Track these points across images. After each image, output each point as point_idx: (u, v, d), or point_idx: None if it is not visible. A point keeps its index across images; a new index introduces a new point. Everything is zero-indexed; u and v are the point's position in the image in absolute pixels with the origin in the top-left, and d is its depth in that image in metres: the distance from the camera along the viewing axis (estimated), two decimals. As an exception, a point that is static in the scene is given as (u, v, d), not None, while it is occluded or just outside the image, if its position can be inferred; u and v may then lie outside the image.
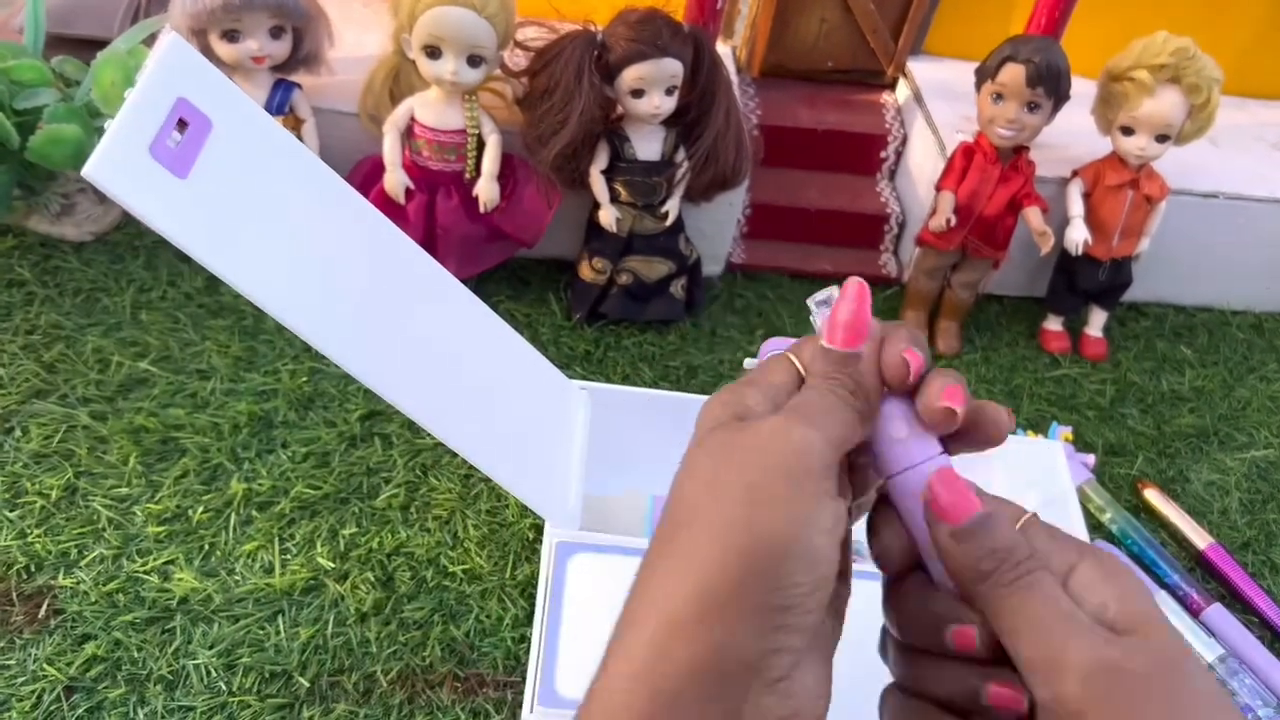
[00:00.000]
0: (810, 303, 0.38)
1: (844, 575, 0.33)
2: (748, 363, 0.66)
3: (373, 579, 0.69)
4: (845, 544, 0.33)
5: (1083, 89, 0.91)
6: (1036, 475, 0.71)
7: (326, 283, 0.47)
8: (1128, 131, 0.91)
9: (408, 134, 0.86)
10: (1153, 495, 0.84)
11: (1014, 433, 0.87)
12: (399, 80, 0.87)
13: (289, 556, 0.70)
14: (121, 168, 0.39)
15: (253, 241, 0.44)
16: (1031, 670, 0.30)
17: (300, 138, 0.87)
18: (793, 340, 0.64)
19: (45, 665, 0.62)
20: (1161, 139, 0.90)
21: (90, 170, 0.38)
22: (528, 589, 0.69)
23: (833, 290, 0.35)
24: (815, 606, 0.30)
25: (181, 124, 0.42)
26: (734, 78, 0.99)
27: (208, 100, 0.43)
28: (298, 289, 0.45)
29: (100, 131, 0.40)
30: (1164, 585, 0.77)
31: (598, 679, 0.30)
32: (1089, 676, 0.28)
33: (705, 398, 0.60)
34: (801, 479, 0.30)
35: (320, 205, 0.49)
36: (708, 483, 0.31)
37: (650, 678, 0.29)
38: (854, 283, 0.34)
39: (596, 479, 0.65)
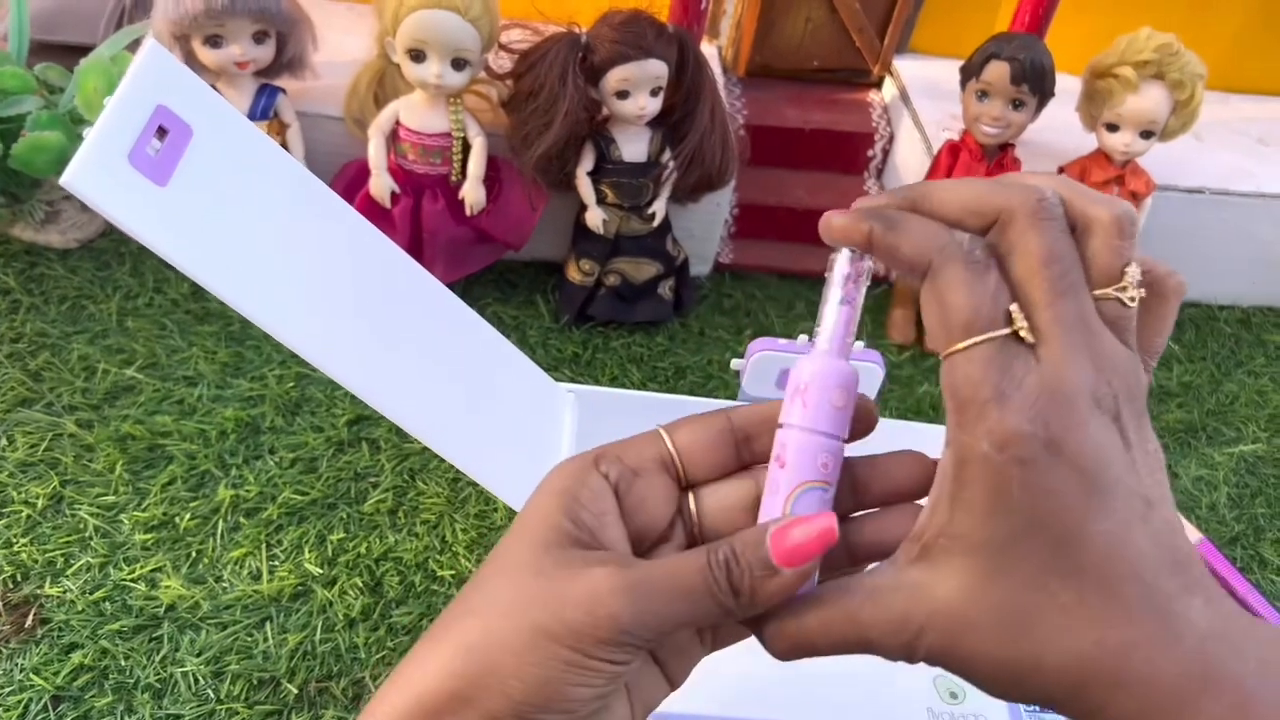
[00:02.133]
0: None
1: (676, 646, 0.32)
2: (735, 364, 0.66)
3: (361, 584, 0.69)
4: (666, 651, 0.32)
5: (1067, 86, 0.91)
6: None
7: (310, 288, 0.47)
8: (1113, 128, 0.91)
9: (393, 138, 0.85)
10: (1141, 491, 0.84)
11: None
12: (384, 84, 0.87)
13: (277, 563, 0.69)
14: (100, 176, 0.39)
15: (234, 248, 0.44)
16: None
17: (285, 142, 0.87)
18: (782, 340, 0.64)
19: (32, 675, 0.62)
20: (1146, 135, 0.90)
21: (69, 178, 0.38)
22: (517, 592, 0.69)
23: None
24: (590, 712, 0.29)
25: (161, 132, 0.41)
26: (720, 78, 0.99)
27: (188, 108, 0.42)
28: (280, 295, 0.45)
29: (83, 139, 0.40)
30: (1153, 581, 0.77)
31: None
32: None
33: (694, 399, 0.59)
34: (586, 645, 0.28)
35: (302, 210, 0.48)
36: (510, 600, 0.29)
37: None
38: (830, 519, 0.29)
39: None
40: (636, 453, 0.32)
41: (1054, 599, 0.28)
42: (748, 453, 0.32)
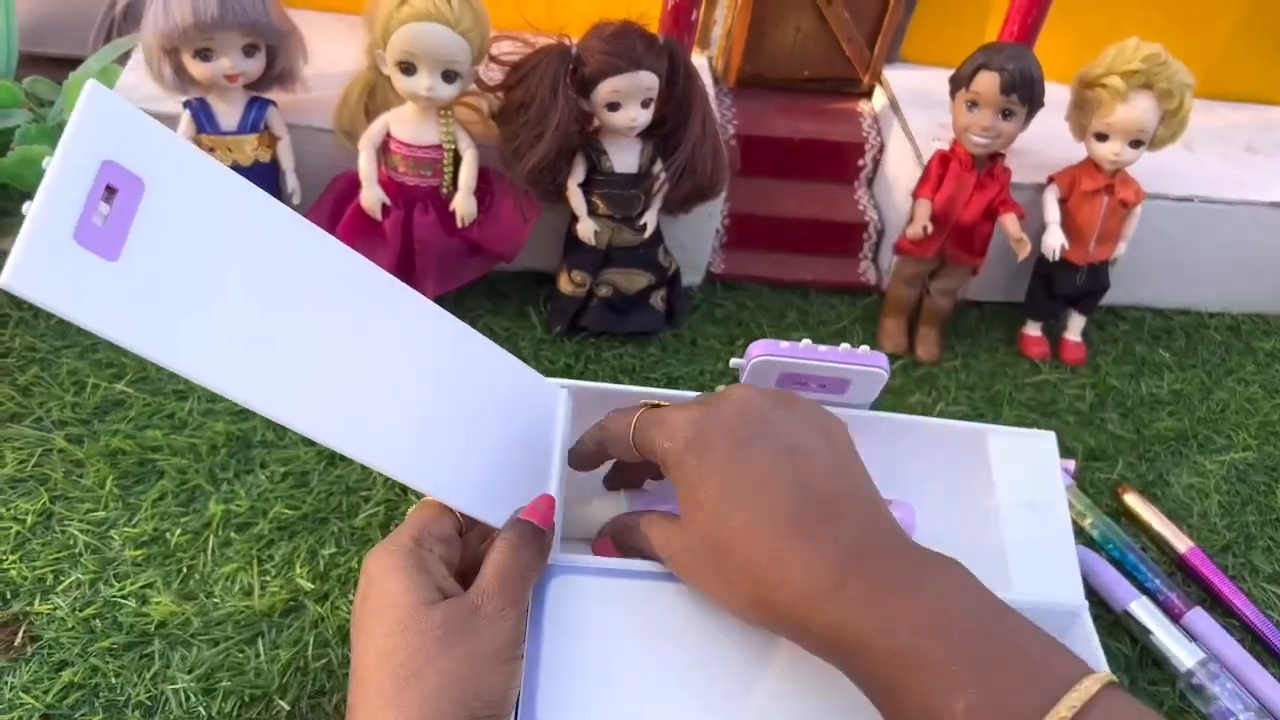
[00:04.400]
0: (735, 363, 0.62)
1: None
2: (734, 362, 0.66)
3: (353, 599, 0.68)
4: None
5: (1057, 95, 0.92)
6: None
7: (291, 349, 0.43)
8: (1102, 137, 0.91)
9: (384, 150, 0.85)
10: (1133, 499, 0.84)
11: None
12: (374, 96, 0.87)
13: (268, 578, 0.69)
14: (47, 269, 0.33)
15: (197, 318, 0.39)
16: None
17: (275, 155, 0.86)
18: (784, 344, 0.63)
19: (21, 694, 0.61)
20: (1135, 144, 0.91)
21: (9, 280, 0.33)
22: (510, 606, 0.69)
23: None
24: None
25: (109, 190, 0.36)
26: (710, 88, 1.00)
27: (137, 156, 0.38)
28: (258, 367, 0.41)
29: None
30: (1145, 590, 0.77)
31: None
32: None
33: (689, 393, 0.60)
34: (513, 650, 0.48)
35: (273, 246, 0.44)
36: (434, 655, 0.45)
37: None
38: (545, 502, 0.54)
39: (574, 490, 0.65)
40: (437, 528, 0.54)
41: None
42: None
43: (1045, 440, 0.69)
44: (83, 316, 0.35)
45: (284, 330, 0.43)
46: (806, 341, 0.63)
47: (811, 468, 0.47)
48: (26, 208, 0.35)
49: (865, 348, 0.63)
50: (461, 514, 0.55)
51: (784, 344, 0.63)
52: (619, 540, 0.56)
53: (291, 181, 0.87)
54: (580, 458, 0.59)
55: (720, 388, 0.55)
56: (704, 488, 0.48)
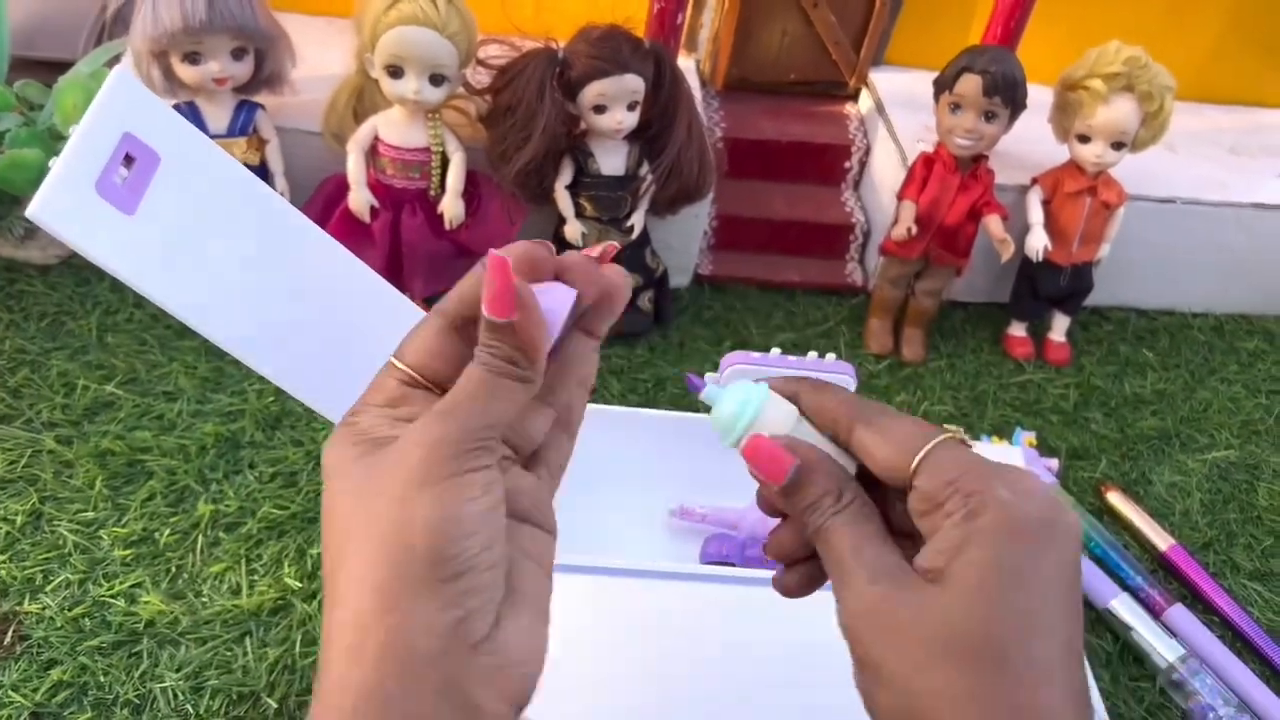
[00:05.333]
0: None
1: (541, 526, 0.36)
2: (709, 378, 0.67)
3: (341, 598, 0.69)
4: (526, 501, 0.35)
5: (1040, 97, 0.92)
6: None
7: (279, 313, 0.47)
8: (1084, 139, 0.92)
9: (372, 153, 0.86)
10: (1115, 498, 0.85)
11: (978, 439, 0.88)
12: (362, 99, 0.87)
13: (256, 577, 0.70)
14: (68, 207, 0.38)
15: (203, 275, 0.43)
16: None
17: (264, 158, 0.87)
18: (756, 354, 0.65)
19: (11, 692, 0.62)
20: (1117, 146, 0.92)
21: (35, 210, 0.37)
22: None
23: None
24: (488, 565, 0.32)
25: (128, 159, 0.41)
26: (698, 91, 1.00)
27: (155, 134, 0.42)
28: (249, 321, 0.45)
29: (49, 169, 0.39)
30: (1126, 587, 0.78)
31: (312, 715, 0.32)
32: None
33: (674, 413, 0.60)
34: (438, 467, 0.32)
35: (271, 233, 0.48)
36: (352, 513, 0.32)
37: (349, 690, 0.30)
38: (492, 256, 0.34)
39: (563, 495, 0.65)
40: (383, 394, 0.35)
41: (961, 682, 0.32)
42: (470, 337, 0.35)
43: (1014, 449, 0.70)
44: (96, 252, 0.39)
45: (272, 293, 0.48)
46: (776, 351, 0.65)
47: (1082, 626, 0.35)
48: (52, 162, 0.39)
49: (832, 356, 0.64)
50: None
51: (756, 355, 0.65)
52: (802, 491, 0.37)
53: (280, 184, 0.88)
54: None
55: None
56: (1024, 582, 0.33)
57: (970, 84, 0.88)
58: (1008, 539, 0.33)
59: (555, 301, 0.35)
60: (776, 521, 0.40)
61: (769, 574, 0.61)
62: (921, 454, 0.35)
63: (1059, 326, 1.02)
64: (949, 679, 0.31)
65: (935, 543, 0.34)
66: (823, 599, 0.61)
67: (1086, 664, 0.37)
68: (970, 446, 0.37)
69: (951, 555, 0.33)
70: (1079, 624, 0.33)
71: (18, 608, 0.66)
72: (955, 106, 0.90)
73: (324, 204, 0.88)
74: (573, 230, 0.89)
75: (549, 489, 0.37)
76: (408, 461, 0.32)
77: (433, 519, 0.31)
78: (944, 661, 0.32)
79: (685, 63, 1.08)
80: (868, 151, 1.08)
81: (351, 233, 0.87)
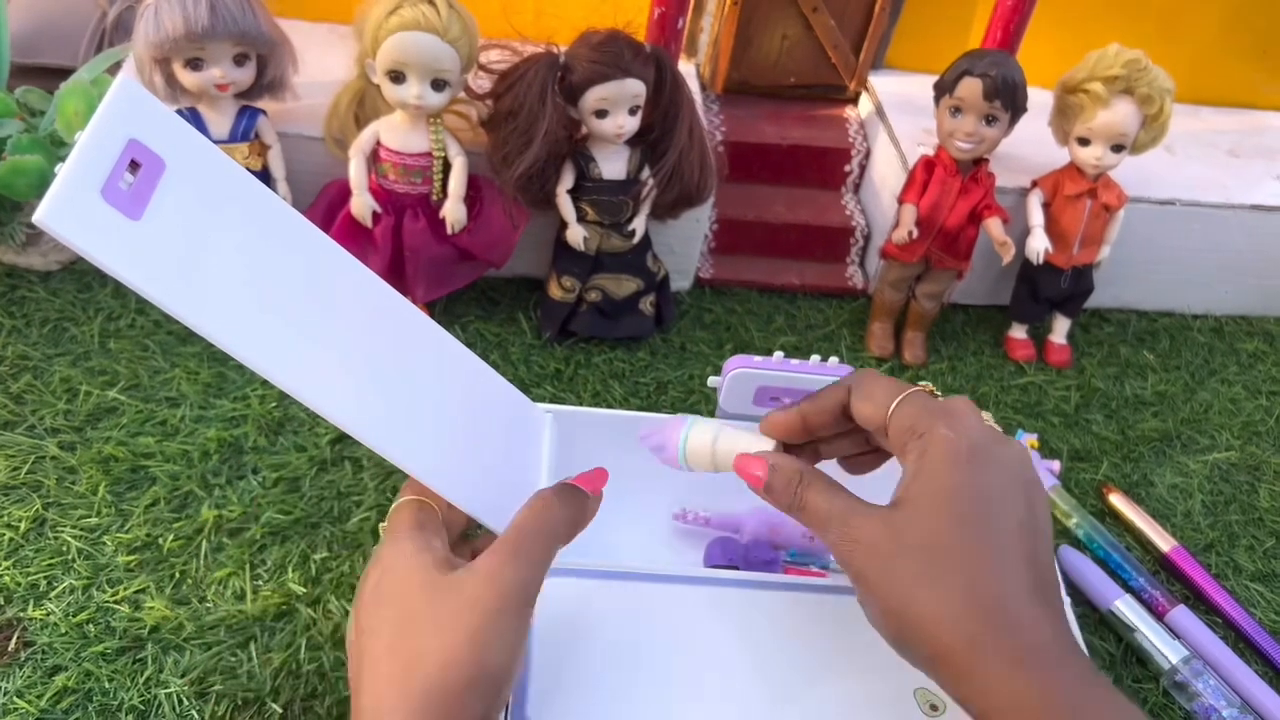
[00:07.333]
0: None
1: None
2: (711, 380, 0.67)
3: (345, 603, 0.69)
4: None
5: (1040, 100, 0.93)
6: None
7: (284, 317, 0.47)
8: (1084, 142, 0.93)
9: (373, 158, 0.86)
10: (1117, 500, 0.85)
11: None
12: (364, 104, 0.87)
13: (260, 582, 0.70)
14: (74, 212, 0.38)
15: (208, 279, 0.44)
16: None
17: (266, 164, 0.87)
18: (757, 358, 0.65)
19: (15, 698, 0.62)
20: (1117, 149, 0.92)
21: (41, 216, 0.37)
22: (500, 609, 0.69)
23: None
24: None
25: (134, 165, 0.41)
26: (698, 95, 1.01)
27: (160, 141, 0.42)
28: (254, 325, 0.45)
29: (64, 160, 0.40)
30: (1129, 589, 0.78)
31: None
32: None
33: (676, 417, 0.60)
34: (518, 614, 0.44)
35: (276, 239, 0.48)
36: (434, 621, 0.43)
37: None
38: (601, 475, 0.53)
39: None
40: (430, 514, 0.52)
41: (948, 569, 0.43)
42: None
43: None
44: (102, 258, 0.39)
45: (277, 297, 0.48)
46: (779, 355, 0.65)
47: (1043, 536, 0.46)
48: (58, 168, 0.39)
49: (834, 359, 0.65)
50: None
51: (757, 358, 0.65)
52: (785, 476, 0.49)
53: (282, 189, 0.88)
54: (782, 426, 0.52)
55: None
56: (963, 495, 0.44)
57: (971, 87, 0.88)
58: (949, 466, 0.44)
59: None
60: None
61: (773, 577, 0.62)
62: (892, 407, 0.47)
63: (1060, 329, 1.02)
64: (911, 569, 0.43)
65: (903, 476, 0.46)
66: (828, 606, 0.61)
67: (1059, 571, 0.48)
68: (938, 396, 0.49)
69: (909, 483, 0.45)
70: (1034, 532, 0.44)
71: (21, 614, 0.66)
72: (956, 110, 0.90)
73: (326, 209, 0.88)
74: (574, 235, 0.89)
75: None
76: (487, 603, 0.43)
77: (505, 671, 0.43)
78: (905, 558, 0.43)
79: (686, 67, 1.08)
80: (868, 155, 1.08)
81: (354, 237, 0.87)
